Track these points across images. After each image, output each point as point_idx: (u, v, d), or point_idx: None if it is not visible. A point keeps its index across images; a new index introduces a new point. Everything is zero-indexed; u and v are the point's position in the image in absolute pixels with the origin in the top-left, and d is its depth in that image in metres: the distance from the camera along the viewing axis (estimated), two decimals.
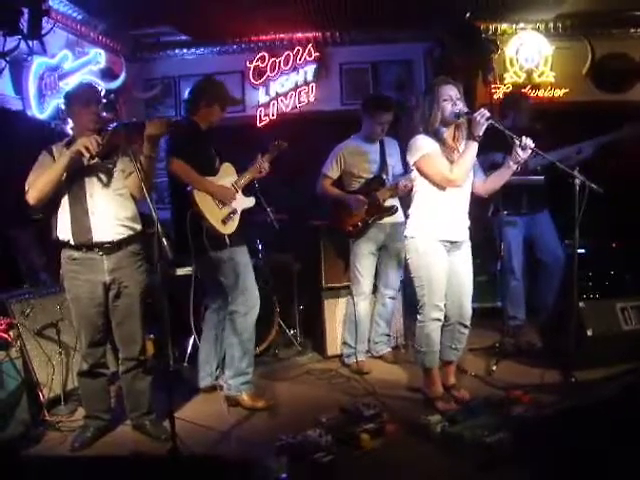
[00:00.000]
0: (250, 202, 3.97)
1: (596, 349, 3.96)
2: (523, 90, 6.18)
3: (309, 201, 4.98)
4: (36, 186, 3.12)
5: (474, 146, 3.42)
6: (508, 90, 6.33)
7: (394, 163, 4.52)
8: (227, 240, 3.70)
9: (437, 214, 3.53)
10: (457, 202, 3.56)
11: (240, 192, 3.89)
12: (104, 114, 3.26)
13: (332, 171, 4.57)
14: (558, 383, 3.80)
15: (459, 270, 3.62)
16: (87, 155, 3.09)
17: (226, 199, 3.75)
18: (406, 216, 3.79)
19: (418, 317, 3.63)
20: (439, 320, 3.58)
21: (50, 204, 3.24)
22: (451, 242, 3.57)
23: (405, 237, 3.65)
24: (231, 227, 3.76)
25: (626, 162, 5.30)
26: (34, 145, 3.35)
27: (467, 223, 3.66)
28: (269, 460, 2.82)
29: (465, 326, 3.71)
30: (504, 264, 4.97)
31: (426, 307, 3.56)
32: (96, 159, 3.24)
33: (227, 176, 3.87)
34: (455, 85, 3.50)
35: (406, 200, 4.59)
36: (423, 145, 3.50)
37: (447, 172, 3.44)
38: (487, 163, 4.58)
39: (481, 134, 3.38)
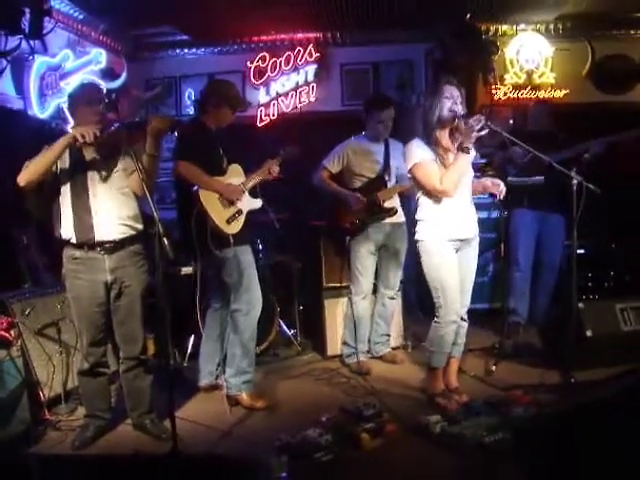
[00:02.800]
0: (257, 204, 3.96)
1: (595, 350, 3.97)
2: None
3: (309, 201, 4.98)
4: (27, 169, 3.11)
5: (464, 158, 3.43)
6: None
7: (397, 165, 4.52)
8: (231, 240, 3.71)
9: (443, 215, 3.53)
10: (461, 200, 3.56)
11: (247, 193, 3.89)
12: (106, 114, 3.26)
13: (332, 165, 4.58)
14: (557, 383, 3.81)
15: (464, 265, 3.62)
16: (81, 140, 3.06)
17: (232, 197, 3.75)
18: (411, 219, 3.79)
19: (435, 318, 3.61)
20: (455, 322, 3.59)
21: (50, 201, 3.26)
22: (461, 240, 3.58)
23: (416, 241, 3.65)
24: (235, 227, 3.76)
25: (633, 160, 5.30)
26: (35, 144, 3.35)
27: (475, 217, 3.66)
28: (269, 459, 2.83)
29: (464, 320, 3.72)
30: (509, 256, 5.02)
31: (443, 309, 3.55)
32: (98, 158, 3.25)
33: (235, 177, 3.87)
34: (458, 88, 3.52)
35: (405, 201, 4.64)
36: (416, 153, 3.52)
37: (437, 183, 3.45)
38: (505, 157, 4.68)
39: (471, 146, 3.39)
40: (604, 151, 4.56)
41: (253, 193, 3.96)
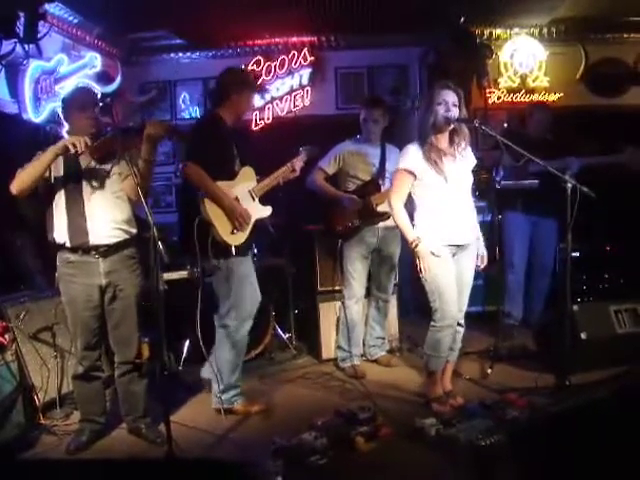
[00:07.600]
0: (266, 211, 3.80)
1: (590, 352, 3.98)
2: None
3: (304, 205, 4.98)
4: (19, 177, 3.12)
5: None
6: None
7: (393, 170, 4.51)
8: (233, 251, 3.56)
9: (439, 220, 3.52)
10: (458, 205, 3.56)
11: (257, 200, 3.74)
12: (100, 118, 3.27)
13: (328, 167, 4.57)
14: (552, 386, 3.80)
15: (462, 271, 3.63)
16: (72, 150, 3.05)
17: (234, 217, 3.53)
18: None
19: (432, 322, 3.61)
20: (451, 327, 3.59)
21: (44, 204, 3.26)
22: (457, 245, 3.58)
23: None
24: (240, 238, 3.60)
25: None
26: (29, 149, 3.35)
27: (474, 223, 3.66)
28: (265, 463, 2.83)
29: (461, 325, 3.73)
30: (504, 259, 5.03)
31: (439, 313, 3.55)
32: (93, 162, 3.25)
33: (246, 181, 3.72)
34: (455, 91, 3.51)
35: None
36: (408, 159, 3.55)
37: (396, 197, 3.57)
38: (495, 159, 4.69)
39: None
40: (579, 172, 4.54)
41: (264, 200, 3.80)
